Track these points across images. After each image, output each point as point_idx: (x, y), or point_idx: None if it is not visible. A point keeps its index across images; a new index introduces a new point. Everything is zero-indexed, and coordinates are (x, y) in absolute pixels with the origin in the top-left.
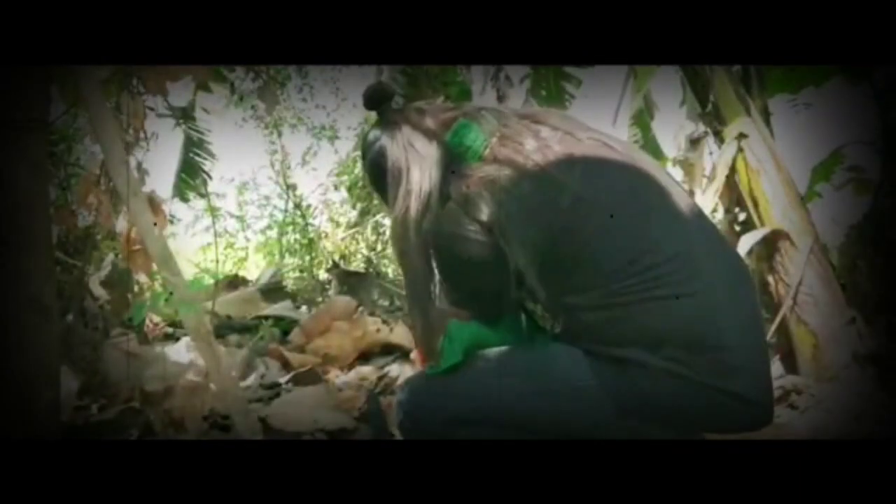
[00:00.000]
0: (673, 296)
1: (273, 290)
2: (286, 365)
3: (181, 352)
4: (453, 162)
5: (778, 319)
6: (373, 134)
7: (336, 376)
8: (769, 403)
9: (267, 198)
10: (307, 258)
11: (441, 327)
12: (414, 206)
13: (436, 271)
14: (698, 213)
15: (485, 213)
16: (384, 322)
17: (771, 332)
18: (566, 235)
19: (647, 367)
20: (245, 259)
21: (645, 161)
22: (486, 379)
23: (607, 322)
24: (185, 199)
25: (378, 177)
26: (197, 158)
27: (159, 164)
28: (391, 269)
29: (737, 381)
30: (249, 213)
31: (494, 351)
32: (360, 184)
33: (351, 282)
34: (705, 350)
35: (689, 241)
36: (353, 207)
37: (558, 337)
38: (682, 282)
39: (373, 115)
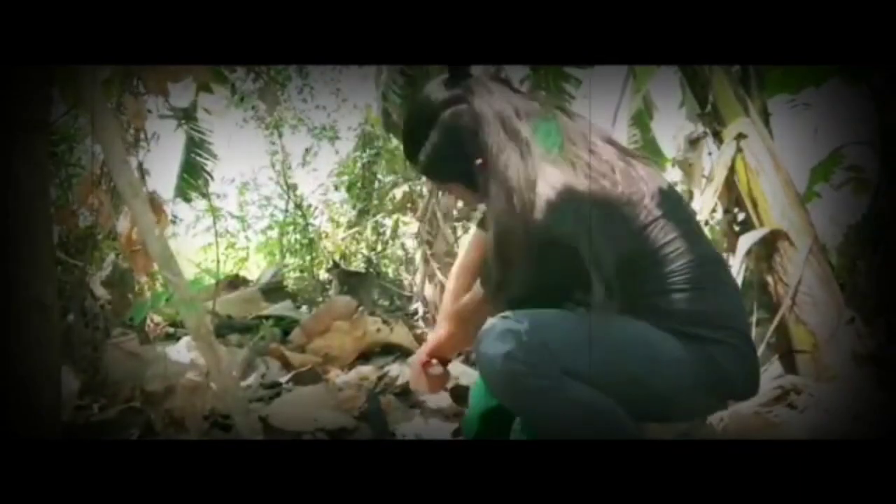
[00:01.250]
0: (725, 283)
1: (274, 290)
2: (287, 364)
3: (182, 351)
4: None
5: (777, 319)
6: (449, 91)
7: (336, 376)
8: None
9: (268, 198)
10: (308, 258)
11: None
12: (514, 197)
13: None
14: None
15: (569, 223)
16: (384, 322)
17: (770, 331)
18: (646, 240)
19: (722, 343)
20: (246, 259)
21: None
22: (604, 337)
23: (684, 304)
24: (187, 200)
25: (449, 135)
26: (198, 159)
27: (161, 164)
28: (391, 269)
29: (756, 358)
30: (250, 213)
31: (609, 315)
32: (361, 184)
33: (351, 282)
34: (742, 332)
35: (711, 242)
36: (354, 208)
37: None
38: (725, 273)
39: (373, 114)
